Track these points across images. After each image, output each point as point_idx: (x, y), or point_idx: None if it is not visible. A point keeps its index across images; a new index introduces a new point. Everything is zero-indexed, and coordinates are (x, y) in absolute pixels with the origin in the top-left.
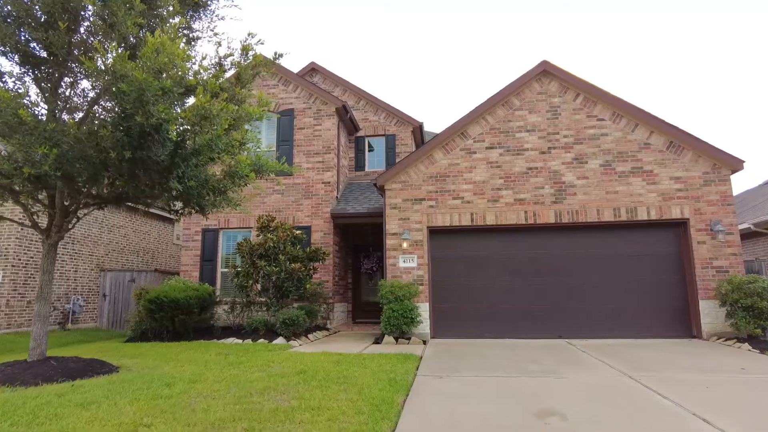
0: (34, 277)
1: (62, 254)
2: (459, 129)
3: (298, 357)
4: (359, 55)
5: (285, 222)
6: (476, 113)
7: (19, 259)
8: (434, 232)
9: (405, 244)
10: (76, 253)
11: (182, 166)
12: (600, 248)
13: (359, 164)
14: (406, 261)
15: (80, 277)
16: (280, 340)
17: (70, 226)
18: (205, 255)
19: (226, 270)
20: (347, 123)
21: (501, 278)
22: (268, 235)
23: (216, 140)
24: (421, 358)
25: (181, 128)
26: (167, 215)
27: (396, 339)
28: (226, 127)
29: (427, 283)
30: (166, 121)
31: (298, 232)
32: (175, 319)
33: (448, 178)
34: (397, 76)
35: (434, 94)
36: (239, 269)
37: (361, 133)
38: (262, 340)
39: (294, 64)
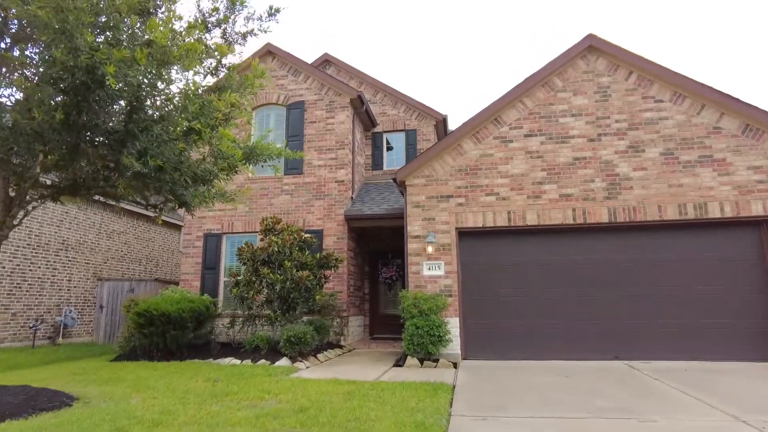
0: (20, 287)
1: (54, 262)
2: (492, 114)
3: (300, 386)
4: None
5: (293, 225)
6: (512, 96)
7: (3, 267)
8: (464, 234)
9: (430, 249)
10: (69, 260)
11: (141, 137)
12: (662, 252)
13: (376, 162)
14: (431, 268)
15: (74, 287)
16: (283, 361)
17: (15, 222)
18: (207, 262)
19: (229, 279)
20: (363, 116)
21: (543, 288)
22: (272, 238)
23: (187, 103)
24: (454, 388)
25: (133, 81)
26: (172, 220)
27: (421, 361)
28: (194, 71)
29: (456, 294)
30: (103, 63)
31: (307, 235)
32: (167, 335)
33: (480, 171)
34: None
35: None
36: (239, 278)
37: (378, 129)
38: (263, 362)
39: (306, 55)
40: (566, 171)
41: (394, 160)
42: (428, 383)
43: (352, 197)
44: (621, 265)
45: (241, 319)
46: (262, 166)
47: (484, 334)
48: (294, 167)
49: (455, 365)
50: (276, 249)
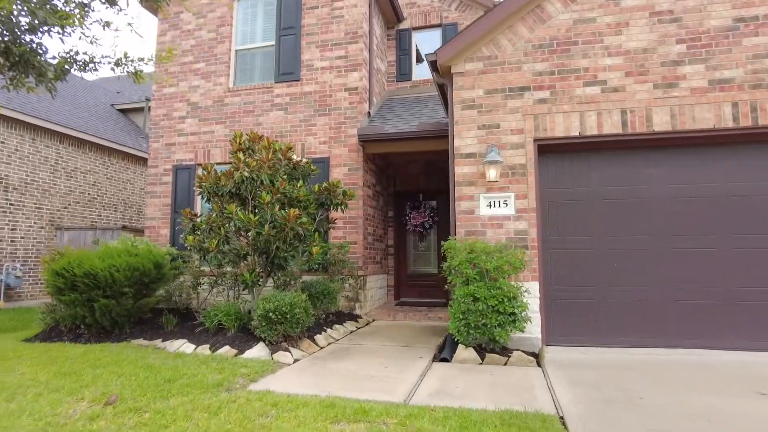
0: None
1: None
2: None
3: (263, 425)
4: None
5: (282, 144)
6: None
7: None
8: (547, 149)
9: (492, 174)
10: (11, 204)
11: None
12: None
13: (403, 71)
14: (493, 204)
15: (21, 238)
16: (258, 350)
17: None
18: (178, 204)
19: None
20: (383, 2)
21: (675, 238)
22: (238, 156)
23: None
24: (564, 421)
25: None
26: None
27: (480, 352)
28: None
29: (535, 245)
30: None
31: (302, 160)
32: (94, 304)
33: (575, 48)
34: None
35: None
36: (198, 220)
37: (404, 25)
38: (226, 349)
39: None
40: (721, 41)
41: (426, 68)
42: (511, 416)
43: (368, 112)
44: None
45: (216, 278)
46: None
47: (576, 307)
48: (288, 71)
49: (536, 359)
50: (246, 175)
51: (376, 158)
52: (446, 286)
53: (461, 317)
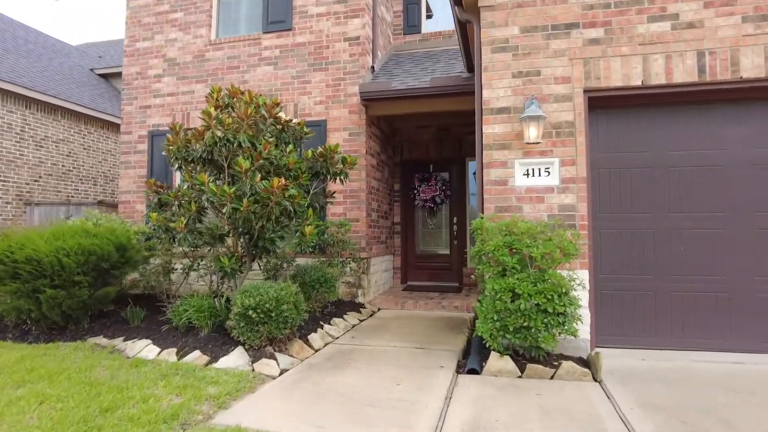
0: None
1: None
2: None
3: None
4: None
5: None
6: None
7: None
8: (600, 102)
9: (531, 132)
10: None
11: None
12: None
13: (411, 22)
14: (532, 173)
15: None
16: (235, 357)
17: None
18: (156, 175)
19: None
20: None
21: (759, 216)
22: (209, 109)
23: None
24: None
25: None
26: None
27: (519, 361)
28: None
29: (585, 224)
30: None
31: (292, 120)
32: (41, 295)
33: None
34: None
35: None
36: (165, 194)
37: None
38: (196, 356)
39: None
40: None
41: (439, 19)
42: None
43: (372, 67)
44: None
45: (189, 264)
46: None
47: (630, 300)
48: (278, 19)
49: (590, 370)
50: (219, 135)
51: (381, 122)
52: (473, 277)
53: (495, 318)
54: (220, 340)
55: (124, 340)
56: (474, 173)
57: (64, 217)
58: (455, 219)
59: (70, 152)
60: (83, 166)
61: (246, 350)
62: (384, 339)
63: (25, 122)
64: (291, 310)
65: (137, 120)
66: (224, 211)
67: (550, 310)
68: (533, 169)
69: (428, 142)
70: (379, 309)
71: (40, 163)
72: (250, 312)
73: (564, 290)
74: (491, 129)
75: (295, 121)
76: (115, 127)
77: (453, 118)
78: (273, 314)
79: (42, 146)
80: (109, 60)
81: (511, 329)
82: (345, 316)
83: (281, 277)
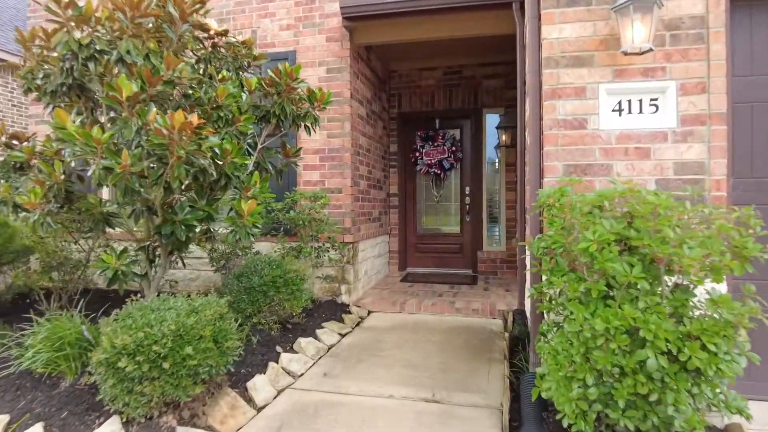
0: None
1: None
2: None
3: None
4: None
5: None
6: None
7: None
8: None
9: (634, 32)
10: None
11: None
12: None
13: None
14: (628, 106)
15: None
16: None
17: None
18: None
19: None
20: None
21: None
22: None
23: None
24: None
25: None
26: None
27: None
28: None
29: (722, 195)
30: None
31: (228, 33)
32: None
33: None
34: None
35: None
36: (17, 148)
37: None
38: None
39: None
40: None
41: None
42: None
43: None
44: None
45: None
46: None
47: None
48: None
49: None
50: (79, 38)
51: (372, 57)
52: (534, 292)
53: (586, 380)
54: (86, 401)
55: None
56: (497, 126)
57: None
58: (468, 189)
59: None
60: None
61: (123, 424)
62: (375, 376)
63: None
64: (205, 352)
65: None
66: (93, 173)
67: (704, 369)
68: (631, 101)
69: (433, 90)
70: (369, 313)
71: None
72: (124, 361)
73: (724, 328)
74: (557, 32)
75: (238, 39)
76: None
77: (468, 55)
78: (168, 362)
79: None
80: None
81: (621, 403)
82: (319, 331)
83: (231, 273)
